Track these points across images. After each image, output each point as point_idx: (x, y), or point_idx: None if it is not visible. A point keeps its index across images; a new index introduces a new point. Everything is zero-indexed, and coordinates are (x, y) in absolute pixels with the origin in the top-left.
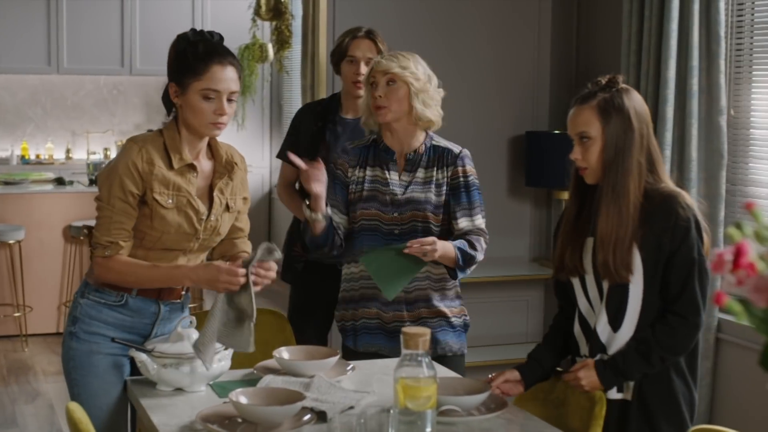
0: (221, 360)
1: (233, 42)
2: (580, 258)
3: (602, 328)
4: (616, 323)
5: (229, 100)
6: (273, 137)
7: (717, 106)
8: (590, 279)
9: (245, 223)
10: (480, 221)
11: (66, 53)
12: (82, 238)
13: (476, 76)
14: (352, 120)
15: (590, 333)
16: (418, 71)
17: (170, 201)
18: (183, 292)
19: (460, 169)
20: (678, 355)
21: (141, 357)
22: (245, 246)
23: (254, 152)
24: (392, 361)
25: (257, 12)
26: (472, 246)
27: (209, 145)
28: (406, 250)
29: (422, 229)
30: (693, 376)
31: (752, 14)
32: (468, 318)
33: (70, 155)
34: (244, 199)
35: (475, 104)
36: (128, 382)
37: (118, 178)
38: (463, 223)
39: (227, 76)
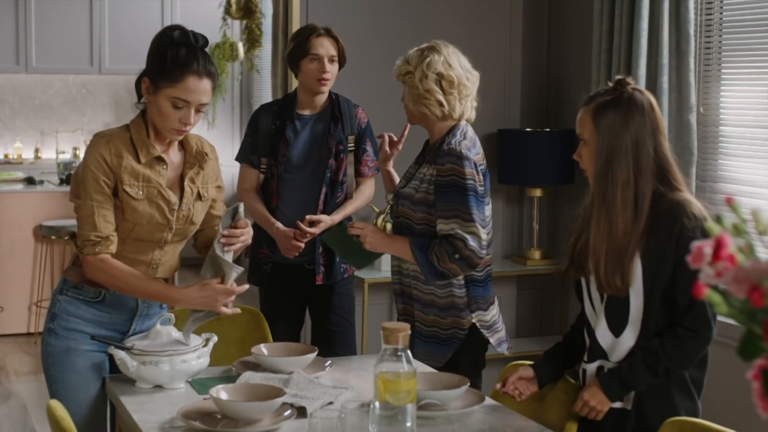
0: (200, 357)
1: None
2: (586, 259)
3: (602, 334)
4: (617, 330)
5: (198, 111)
6: (243, 136)
7: (687, 103)
8: (593, 281)
9: (221, 211)
10: (455, 226)
11: (35, 52)
12: (53, 237)
13: None
14: (310, 116)
15: (591, 336)
16: (404, 65)
17: (140, 192)
18: None
19: (442, 167)
20: (685, 368)
21: (120, 354)
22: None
23: (224, 150)
24: (370, 357)
25: (227, 11)
26: (427, 249)
27: None
28: (350, 231)
29: (406, 225)
30: (698, 389)
31: (721, 13)
32: (464, 333)
33: (39, 155)
34: (218, 187)
35: None
36: (107, 379)
37: (90, 172)
38: (439, 226)
39: (201, 89)
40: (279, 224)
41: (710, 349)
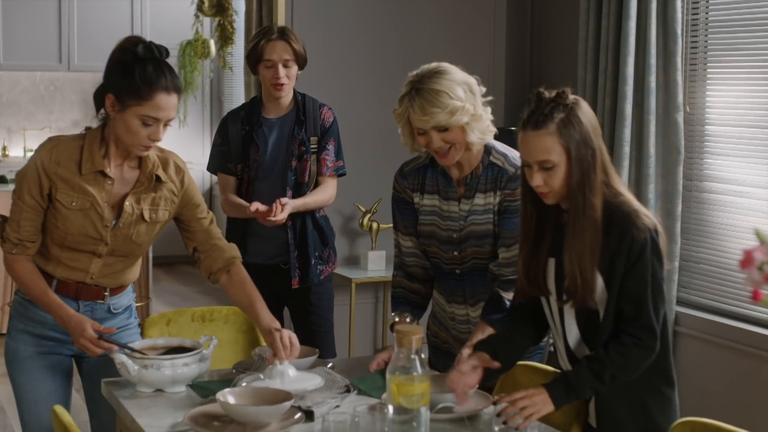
0: (201, 360)
1: (174, 38)
2: (544, 279)
3: (574, 342)
4: (589, 343)
5: (165, 125)
6: (213, 134)
7: (674, 102)
8: (553, 300)
9: (205, 214)
10: (512, 251)
11: (2, 49)
12: None
13: None
14: (276, 119)
15: (557, 347)
16: (461, 103)
17: (74, 203)
18: (106, 293)
19: (513, 191)
20: (630, 377)
21: (121, 358)
22: (233, 250)
23: (194, 149)
24: (365, 359)
25: (200, 8)
26: (497, 301)
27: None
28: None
29: (484, 267)
30: (670, 385)
31: (707, 13)
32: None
33: (7, 152)
34: (195, 205)
35: None
36: (103, 383)
37: (28, 175)
38: (501, 254)
39: (170, 104)
40: (249, 205)
41: (670, 335)
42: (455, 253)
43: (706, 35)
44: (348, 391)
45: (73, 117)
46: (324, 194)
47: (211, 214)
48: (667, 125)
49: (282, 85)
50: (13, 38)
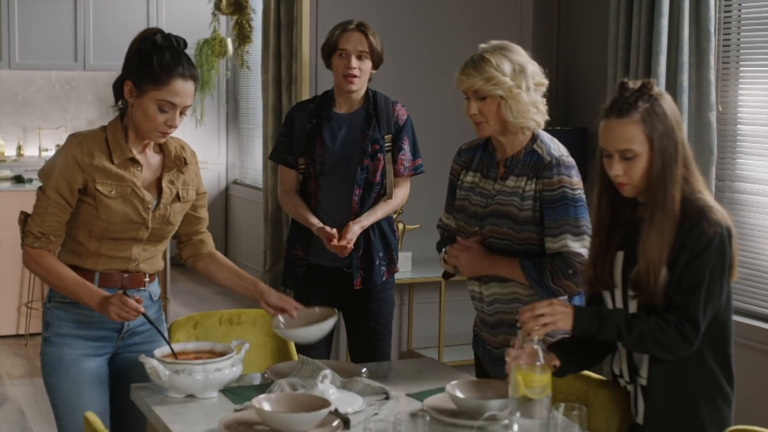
0: (233, 366)
1: (191, 37)
2: (611, 272)
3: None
4: None
5: (181, 113)
6: (230, 133)
7: (707, 102)
8: (618, 294)
9: (205, 215)
10: (567, 242)
11: (18, 48)
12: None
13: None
14: (346, 115)
15: (621, 350)
16: (501, 76)
17: (113, 191)
18: (146, 279)
19: (550, 180)
20: (653, 351)
21: (152, 363)
22: (210, 239)
23: (211, 148)
24: (401, 363)
25: (218, 6)
26: (540, 267)
27: None
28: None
29: (500, 246)
30: (726, 400)
31: (739, 10)
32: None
33: (22, 152)
34: (202, 193)
35: (458, 101)
36: (133, 388)
37: (57, 171)
38: (548, 243)
39: (187, 91)
40: (319, 223)
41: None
42: (476, 228)
43: (739, 33)
44: (387, 398)
45: (89, 116)
46: (395, 201)
47: (207, 219)
48: (699, 125)
49: (354, 77)
50: (28, 37)
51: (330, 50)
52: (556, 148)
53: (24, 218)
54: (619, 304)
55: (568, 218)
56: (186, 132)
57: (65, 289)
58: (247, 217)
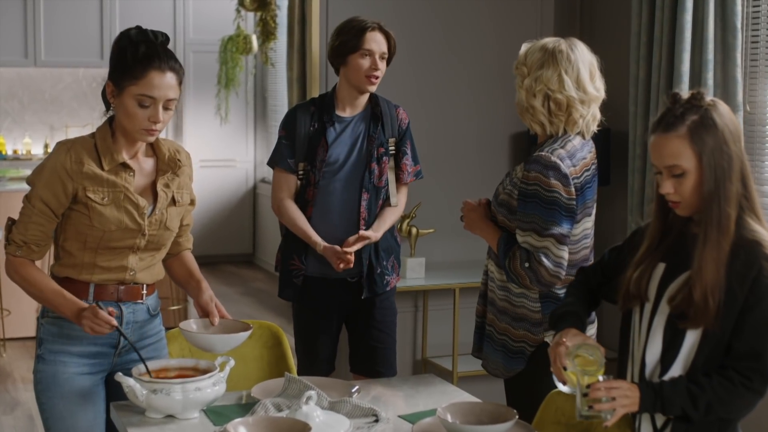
0: (215, 384)
1: (216, 34)
2: (647, 284)
3: (651, 358)
4: (665, 362)
5: (166, 108)
6: (258, 130)
7: (733, 101)
8: (648, 308)
9: (190, 221)
10: (530, 240)
11: (43, 46)
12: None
13: (477, 70)
14: (350, 118)
15: (633, 359)
16: (523, 66)
17: (105, 198)
18: (143, 292)
19: (527, 174)
20: (727, 414)
21: (128, 382)
22: (188, 242)
23: (238, 146)
24: (397, 380)
25: (242, 2)
26: (509, 247)
27: (150, 144)
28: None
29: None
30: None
31: None
32: (532, 349)
33: (49, 150)
34: (192, 199)
35: (477, 100)
36: (113, 407)
37: (43, 180)
38: (516, 234)
39: (165, 83)
40: (323, 242)
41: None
42: (492, 207)
43: None
44: (376, 420)
45: None
46: (400, 208)
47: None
48: None
49: (377, 77)
50: (54, 34)
51: (351, 49)
52: (553, 150)
53: (10, 225)
54: (646, 320)
55: (537, 217)
56: (211, 130)
57: (45, 300)
58: (275, 217)
